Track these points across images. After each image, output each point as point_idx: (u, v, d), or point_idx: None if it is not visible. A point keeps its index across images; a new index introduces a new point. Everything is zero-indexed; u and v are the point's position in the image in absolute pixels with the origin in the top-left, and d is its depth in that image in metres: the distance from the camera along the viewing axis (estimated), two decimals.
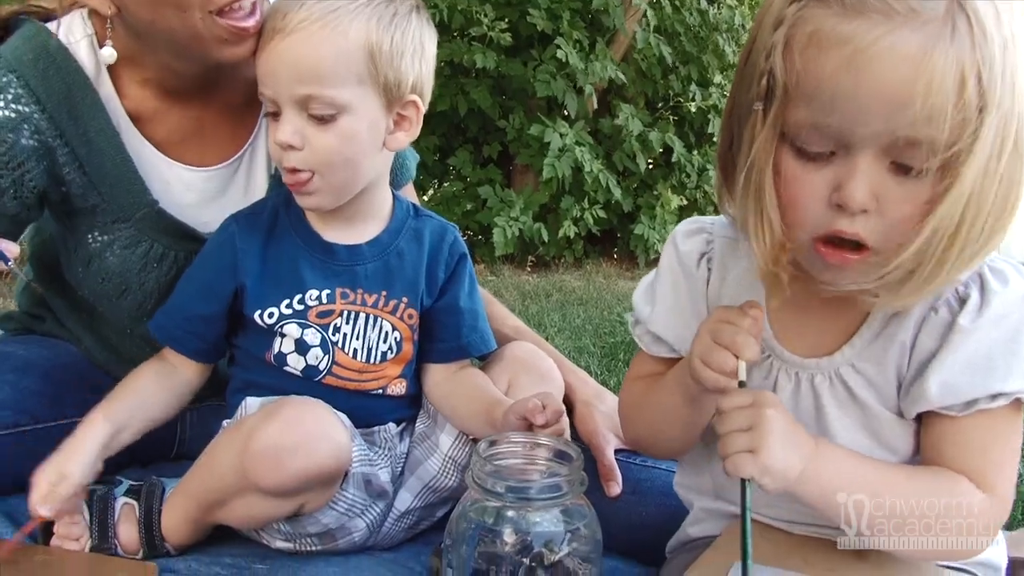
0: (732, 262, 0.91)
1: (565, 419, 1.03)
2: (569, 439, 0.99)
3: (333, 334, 1.14)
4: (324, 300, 1.13)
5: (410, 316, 1.18)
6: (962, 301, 0.79)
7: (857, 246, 0.73)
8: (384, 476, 1.14)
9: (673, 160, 5.47)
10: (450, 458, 1.21)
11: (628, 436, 1.05)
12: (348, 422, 1.10)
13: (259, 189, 1.27)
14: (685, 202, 5.70)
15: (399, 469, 1.20)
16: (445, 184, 5.42)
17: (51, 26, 1.14)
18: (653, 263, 5.59)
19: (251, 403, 1.11)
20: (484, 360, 1.32)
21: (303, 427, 0.99)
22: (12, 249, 1.00)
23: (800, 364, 0.85)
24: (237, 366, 1.20)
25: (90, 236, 1.19)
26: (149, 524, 1.06)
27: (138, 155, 1.17)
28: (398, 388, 1.19)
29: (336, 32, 1.01)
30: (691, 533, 0.99)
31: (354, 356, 1.15)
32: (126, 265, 1.21)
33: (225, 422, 1.15)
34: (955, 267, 0.73)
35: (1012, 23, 0.67)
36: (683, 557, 0.95)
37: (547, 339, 2.84)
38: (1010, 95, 0.67)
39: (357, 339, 1.15)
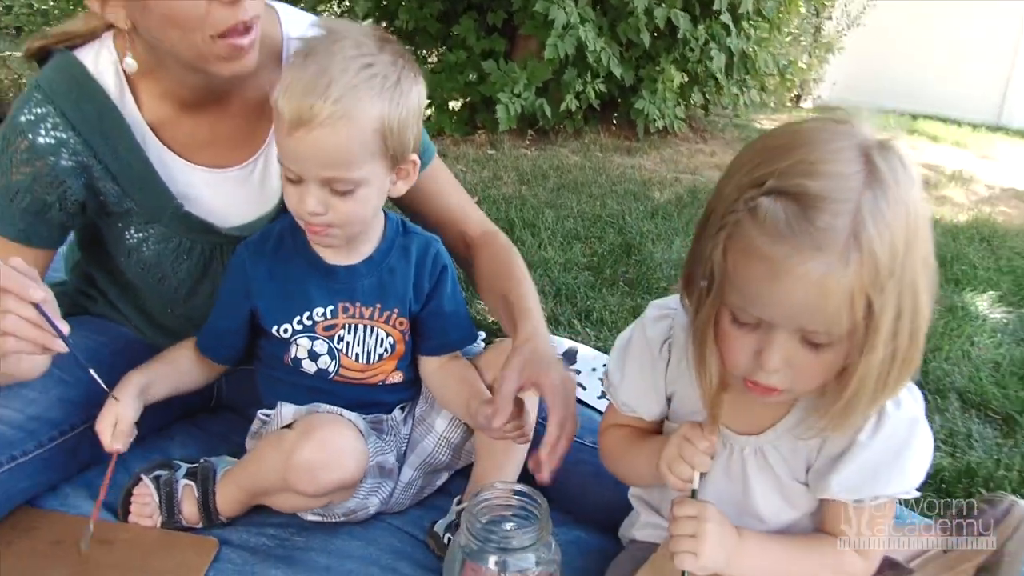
0: (680, 352, 1.11)
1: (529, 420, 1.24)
2: (533, 493, 1.14)
3: (338, 343, 1.35)
4: (328, 316, 1.34)
5: (401, 323, 1.38)
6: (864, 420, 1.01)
7: None
8: (392, 459, 1.39)
9: (679, 36, 5.47)
10: (444, 438, 1.45)
11: (608, 470, 1.27)
12: (363, 424, 1.34)
13: (274, 188, 1.41)
14: (686, 78, 5.72)
15: (403, 449, 1.45)
16: (449, 53, 5.43)
17: (80, 54, 1.27)
18: (650, 135, 5.73)
19: (285, 412, 1.34)
20: (488, 344, 1.53)
21: (334, 445, 1.23)
22: (64, 327, 1.11)
23: (734, 439, 1.08)
24: (262, 364, 1.41)
25: (127, 233, 1.37)
26: (206, 501, 1.32)
27: (161, 162, 1.33)
28: (395, 378, 1.41)
29: (357, 123, 1.14)
30: (636, 535, 1.25)
31: (356, 359, 1.36)
32: (161, 257, 1.39)
33: (260, 413, 1.39)
34: (874, 408, 0.94)
35: (910, 242, 0.84)
36: (628, 555, 1.22)
37: (540, 245, 3.08)
38: (902, 286, 0.85)
39: (358, 345, 1.36)
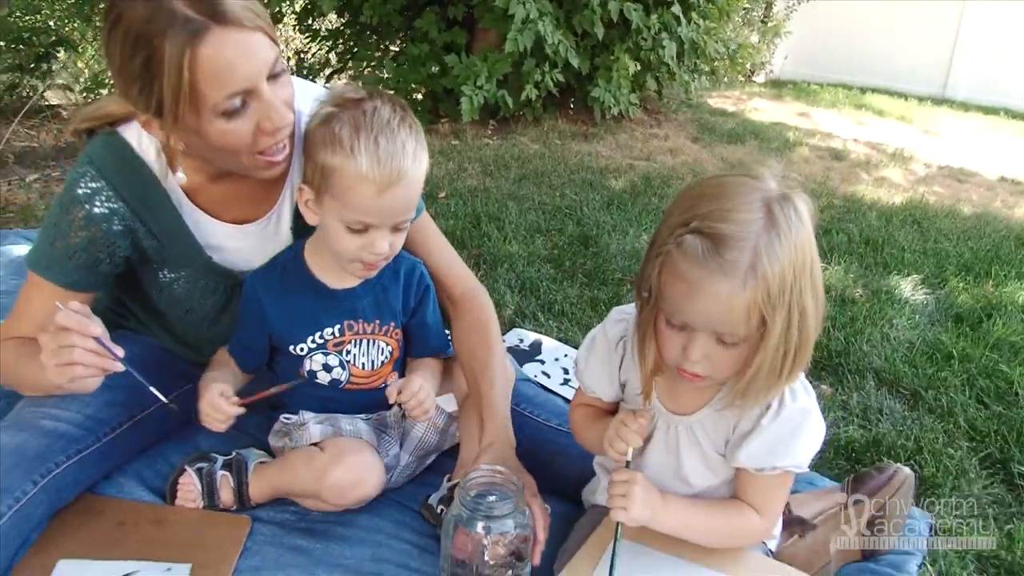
0: (632, 346, 1.39)
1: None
2: (511, 473, 1.39)
3: (346, 356, 1.60)
4: (337, 334, 1.58)
5: (396, 334, 1.64)
6: (768, 407, 1.28)
7: None
8: (393, 449, 1.66)
9: (632, 27, 5.71)
10: (432, 423, 1.70)
11: (576, 440, 1.53)
12: (373, 436, 1.61)
13: (285, 237, 1.65)
14: (640, 66, 5.97)
15: (401, 439, 1.71)
16: (412, 45, 5.63)
17: (124, 132, 1.48)
18: (606, 121, 5.99)
19: (313, 430, 1.58)
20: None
21: (359, 469, 1.51)
22: (119, 351, 1.36)
23: (670, 418, 1.35)
24: (278, 379, 1.63)
25: (161, 273, 1.61)
26: (240, 490, 1.57)
27: (194, 221, 1.56)
28: (392, 379, 1.66)
29: (421, 173, 1.41)
30: (596, 500, 1.53)
31: (362, 368, 1.61)
32: (190, 294, 1.64)
33: (282, 417, 1.65)
34: (775, 392, 1.22)
35: (797, 273, 1.10)
36: (589, 518, 1.50)
37: (505, 239, 3.33)
38: (793, 303, 1.13)
39: (363, 356, 1.62)
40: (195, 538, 1.50)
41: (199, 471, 1.58)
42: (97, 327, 1.33)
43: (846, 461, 1.95)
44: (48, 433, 1.49)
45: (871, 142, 6.73)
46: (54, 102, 5.79)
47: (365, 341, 1.60)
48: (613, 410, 1.47)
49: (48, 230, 1.49)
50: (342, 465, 1.49)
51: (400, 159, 1.36)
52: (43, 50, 5.81)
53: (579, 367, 1.46)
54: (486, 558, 1.31)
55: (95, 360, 1.32)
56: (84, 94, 6.15)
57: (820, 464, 1.92)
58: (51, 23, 6.08)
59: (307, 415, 1.61)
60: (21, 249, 2.92)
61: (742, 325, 1.11)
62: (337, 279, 1.58)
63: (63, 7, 6.08)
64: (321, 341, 1.58)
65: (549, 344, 2.38)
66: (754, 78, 11.05)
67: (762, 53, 10.41)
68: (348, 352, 1.60)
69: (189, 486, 1.57)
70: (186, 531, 1.51)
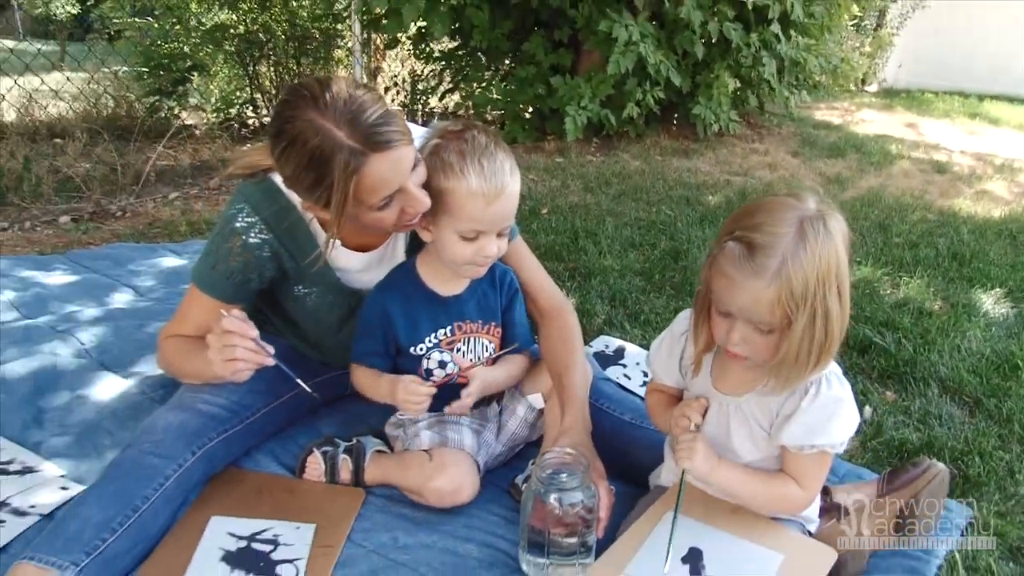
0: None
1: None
2: (579, 455, 1.66)
3: (457, 352, 1.90)
4: (449, 334, 1.88)
5: (496, 332, 1.93)
6: (806, 392, 1.50)
7: None
8: (491, 437, 1.95)
9: (732, 45, 5.88)
10: (523, 419, 1.99)
11: (651, 421, 1.80)
12: (475, 441, 1.88)
13: (399, 259, 1.97)
14: (739, 83, 6.13)
15: (497, 430, 2.00)
16: (519, 67, 5.95)
17: (275, 177, 1.79)
18: (708, 137, 6.17)
19: (423, 438, 1.87)
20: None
21: (459, 479, 1.78)
22: (271, 349, 1.69)
23: (722, 398, 1.59)
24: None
25: (296, 288, 1.94)
26: (357, 474, 1.89)
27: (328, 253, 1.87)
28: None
29: (517, 187, 1.70)
30: (661, 481, 1.78)
31: (471, 363, 1.90)
32: (318, 306, 1.97)
33: (398, 414, 1.96)
34: (803, 376, 1.44)
35: (821, 279, 1.34)
36: (652, 495, 1.74)
37: (600, 254, 3.59)
38: (815, 304, 1.35)
39: (471, 352, 1.91)
40: (319, 505, 1.82)
41: (324, 453, 1.91)
42: (254, 330, 1.66)
43: (899, 461, 2.12)
44: (203, 414, 1.83)
45: (979, 153, 6.68)
46: (188, 122, 6.37)
47: (472, 339, 1.90)
48: (679, 397, 1.72)
49: (209, 256, 1.83)
50: (445, 475, 1.78)
51: (501, 175, 1.66)
52: (180, 74, 6.40)
53: (651, 356, 1.74)
54: (557, 525, 1.58)
55: (252, 356, 1.65)
56: (216, 114, 6.71)
57: (873, 461, 2.11)
58: (186, 48, 6.62)
59: (422, 416, 1.90)
60: (170, 261, 3.36)
61: (769, 316, 1.36)
62: (446, 287, 1.87)
63: (199, 34, 6.62)
64: (436, 341, 1.87)
65: (632, 350, 2.63)
66: (866, 88, 10.94)
67: (873, 63, 10.28)
68: (458, 350, 1.89)
69: (315, 465, 1.91)
70: (311, 499, 1.85)
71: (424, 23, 6.03)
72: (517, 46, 6.18)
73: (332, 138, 1.53)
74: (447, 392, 1.83)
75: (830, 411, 1.49)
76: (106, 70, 6.38)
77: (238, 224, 1.79)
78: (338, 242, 1.83)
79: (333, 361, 2.11)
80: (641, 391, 2.33)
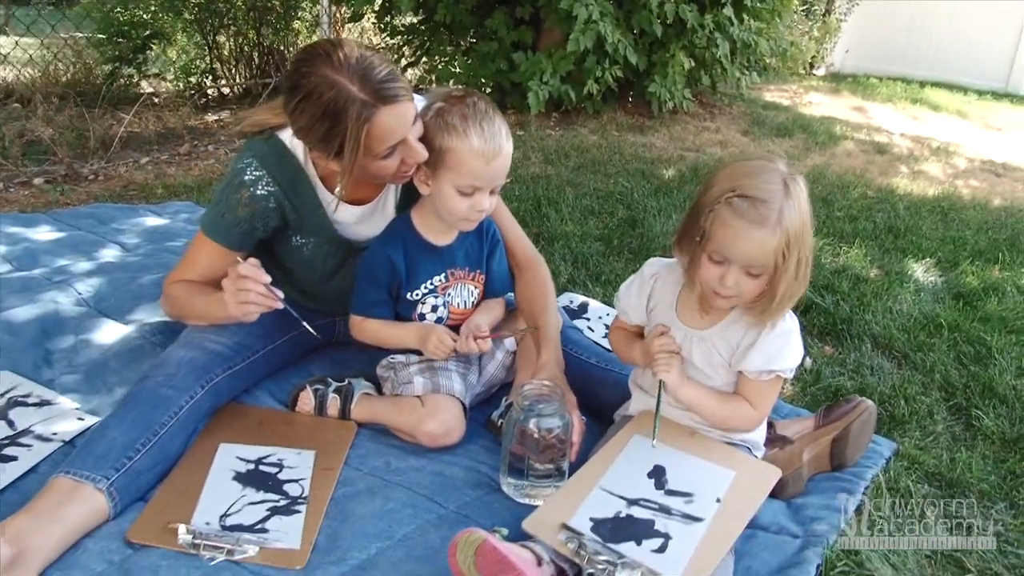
0: (661, 284, 1.85)
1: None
2: (556, 387, 1.89)
3: (448, 298, 2.08)
4: (443, 280, 2.06)
5: (480, 279, 2.12)
6: (764, 325, 1.72)
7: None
8: (473, 379, 2.15)
9: (688, 26, 6.11)
10: (500, 362, 2.19)
11: (616, 356, 2.02)
12: (462, 385, 2.06)
13: (390, 213, 2.15)
14: (694, 63, 6.37)
15: (478, 371, 2.20)
16: (482, 43, 6.10)
17: (281, 135, 1.97)
18: (663, 115, 6.40)
19: (416, 384, 2.03)
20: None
21: (449, 423, 1.96)
22: (280, 294, 1.87)
23: (687, 331, 1.80)
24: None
25: (294, 238, 2.11)
26: (344, 412, 2.08)
27: (325, 201, 2.05)
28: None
29: (511, 150, 1.88)
30: (630, 411, 2.00)
31: (458, 307, 2.09)
32: (314, 256, 2.14)
33: (391, 356, 2.13)
34: (782, 313, 1.68)
35: (803, 224, 1.57)
36: (618, 425, 1.96)
37: (561, 220, 3.80)
38: (800, 250, 1.58)
39: (459, 297, 2.09)
40: (315, 434, 2.02)
41: (315, 391, 2.10)
42: (266, 276, 1.83)
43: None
44: (210, 351, 2.01)
45: (919, 136, 7.02)
46: (147, 90, 6.41)
47: (461, 285, 2.09)
48: (641, 334, 1.94)
49: (219, 205, 2.00)
50: (436, 419, 1.97)
51: (499, 138, 1.85)
52: (140, 42, 6.42)
53: (620, 296, 1.95)
54: (536, 449, 1.79)
55: (263, 300, 1.83)
56: (175, 82, 6.75)
57: (812, 404, 2.36)
58: (146, 16, 6.62)
59: (412, 360, 2.09)
60: (152, 221, 3.50)
61: (769, 261, 1.60)
62: (439, 238, 2.05)
63: (158, 2, 6.63)
64: (432, 287, 2.05)
65: (595, 305, 2.85)
66: (814, 71, 11.27)
67: (821, 48, 10.60)
68: (449, 295, 2.08)
69: (306, 400, 2.10)
70: (308, 429, 2.04)
71: None
72: (480, 22, 6.33)
73: (346, 91, 1.71)
74: None
75: (784, 341, 1.72)
76: (63, 36, 6.35)
77: (247, 177, 1.96)
78: (335, 199, 2.01)
79: (323, 308, 2.29)
80: (604, 342, 2.54)
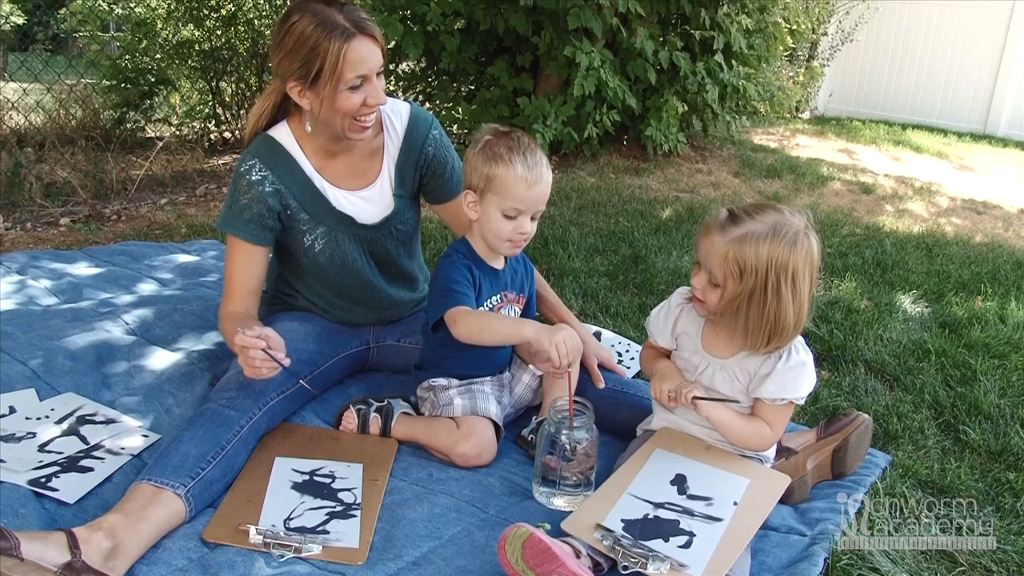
0: (687, 314, 2.05)
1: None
2: (585, 402, 2.08)
3: None
4: (497, 301, 2.25)
5: (522, 301, 2.33)
6: (780, 357, 1.92)
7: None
8: (506, 401, 2.33)
9: (680, 73, 6.40)
10: (528, 386, 2.38)
11: (643, 372, 2.22)
12: (497, 409, 2.23)
13: (388, 202, 2.37)
14: (686, 107, 6.65)
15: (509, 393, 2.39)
16: (484, 90, 6.36)
17: (274, 134, 2.25)
18: (657, 157, 6.66)
19: (457, 404, 2.22)
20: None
21: (482, 445, 2.14)
22: (282, 357, 2.04)
23: (711, 360, 2.00)
24: (450, 345, 2.19)
25: (304, 239, 2.32)
26: (385, 429, 2.26)
27: (322, 187, 2.28)
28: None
29: (551, 179, 2.10)
30: (652, 425, 2.18)
31: None
32: (333, 253, 2.33)
33: (431, 380, 2.31)
34: (760, 347, 1.88)
35: (772, 266, 1.77)
36: (640, 439, 2.15)
37: (569, 257, 4.01)
38: (765, 282, 1.79)
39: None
40: (361, 449, 2.20)
41: (358, 411, 2.28)
42: (262, 343, 1.98)
43: None
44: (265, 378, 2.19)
45: (902, 177, 7.29)
46: (153, 135, 6.60)
47: (509, 306, 2.29)
48: (668, 354, 2.13)
49: (227, 201, 2.25)
50: (470, 441, 2.14)
51: (540, 167, 2.08)
52: (147, 88, 6.63)
53: (650, 320, 2.15)
54: (566, 459, 1.98)
55: (268, 363, 2.00)
56: (180, 127, 6.95)
57: (811, 422, 2.55)
58: (151, 64, 6.83)
59: (453, 384, 2.27)
60: (183, 257, 3.69)
61: (716, 269, 1.81)
62: (493, 263, 2.24)
63: (165, 50, 6.87)
64: (491, 306, 2.24)
65: (607, 335, 3.05)
66: (800, 115, 11.61)
67: (806, 92, 10.92)
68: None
69: (350, 419, 2.28)
70: (354, 445, 2.22)
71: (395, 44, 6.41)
72: (482, 70, 6.60)
73: (332, 18, 2.03)
74: (482, 351, 2.21)
75: (797, 372, 1.92)
76: (69, 82, 6.48)
77: (242, 168, 2.22)
78: (331, 185, 2.28)
79: (359, 318, 2.51)
80: (618, 369, 2.73)
